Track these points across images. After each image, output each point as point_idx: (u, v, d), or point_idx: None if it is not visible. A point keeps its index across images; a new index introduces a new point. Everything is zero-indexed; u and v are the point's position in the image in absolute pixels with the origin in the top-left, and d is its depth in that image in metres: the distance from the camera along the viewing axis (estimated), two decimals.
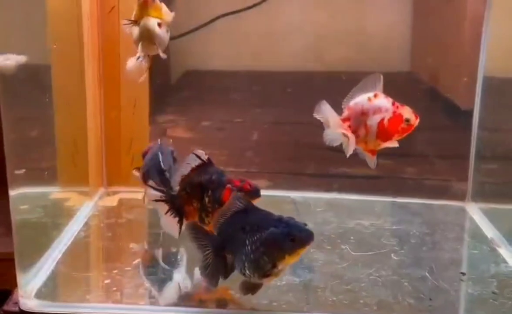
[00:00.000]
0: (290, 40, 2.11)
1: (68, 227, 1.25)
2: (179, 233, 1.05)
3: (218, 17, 2.06)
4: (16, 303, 1.01)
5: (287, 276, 1.09)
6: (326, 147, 1.09)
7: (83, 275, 1.10)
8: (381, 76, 1.05)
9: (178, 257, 1.15)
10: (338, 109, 1.09)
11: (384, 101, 1.03)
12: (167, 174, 1.13)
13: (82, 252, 1.19)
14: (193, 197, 1.03)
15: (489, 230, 1.30)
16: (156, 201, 1.05)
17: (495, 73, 1.46)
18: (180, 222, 1.04)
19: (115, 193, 1.43)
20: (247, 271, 0.91)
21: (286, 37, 2.11)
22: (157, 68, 1.99)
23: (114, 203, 1.39)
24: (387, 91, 1.91)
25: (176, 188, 1.04)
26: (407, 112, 1.03)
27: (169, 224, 1.04)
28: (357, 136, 1.04)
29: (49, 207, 1.29)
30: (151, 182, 1.08)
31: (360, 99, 1.03)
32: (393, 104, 1.03)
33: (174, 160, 1.18)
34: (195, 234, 0.95)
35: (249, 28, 2.11)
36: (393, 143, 1.06)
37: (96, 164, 1.42)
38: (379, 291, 1.05)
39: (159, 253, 1.19)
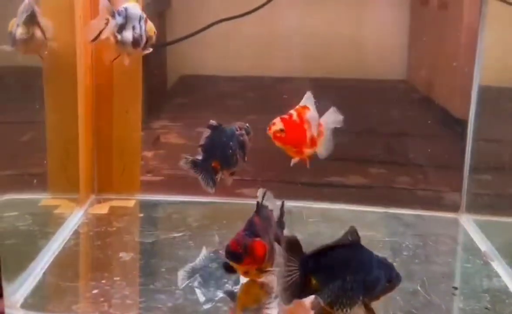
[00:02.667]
0: (286, 47, 2.10)
1: (57, 235, 1.23)
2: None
3: (214, 23, 2.06)
4: (2, 313, 0.99)
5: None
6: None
7: (70, 285, 1.08)
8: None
9: None
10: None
11: None
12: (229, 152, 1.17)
13: (71, 261, 1.18)
14: None
15: (482, 243, 1.29)
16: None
17: (490, 83, 1.46)
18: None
19: (106, 200, 1.41)
20: (337, 306, 0.89)
21: (282, 44, 2.11)
22: (153, 73, 1.99)
23: (105, 211, 1.37)
24: (383, 99, 1.90)
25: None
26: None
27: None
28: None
29: (38, 214, 1.27)
30: None
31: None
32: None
33: (242, 144, 1.20)
34: (289, 248, 0.91)
35: (245, 34, 2.11)
36: None
37: (87, 170, 1.40)
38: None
39: None
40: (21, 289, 1.04)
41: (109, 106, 1.43)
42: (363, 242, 1.26)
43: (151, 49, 1.29)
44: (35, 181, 1.27)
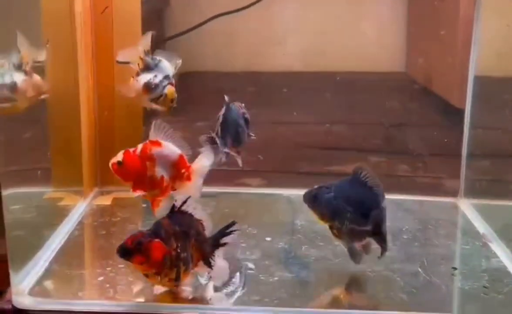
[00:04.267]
0: (286, 41, 2.12)
1: (61, 226, 1.25)
2: None
3: (213, 17, 2.07)
4: (9, 300, 1.01)
5: (279, 272, 1.10)
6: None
7: (76, 273, 1.10)
8: None
9: None
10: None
11: None
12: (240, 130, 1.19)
13: (76, 250, 1.20)
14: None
15: (481, 226, 1.31)
16: None
17: (486, 73, 1.47)
18: None
19: (109, 192, 1.43)
20: None
21: (282, 38, 2.12)
22: None
23: (108, 202, 1.39)
24: (382, 91, 1.91)
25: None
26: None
27: None
28: None
29: (43, 206, 1.29)
30: None
31: None
32: None
33: (246, 120, 1.23)
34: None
35: (245, 29, 2.12)
36: None
37: (90, 163, 1.42)
38: (372, 286, 1.06)
39: None
40: (28, 277, 1.06)
41: (110, 99, 1.45)
42: None
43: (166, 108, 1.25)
44: (39, 172, 1.29)
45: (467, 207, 1.41)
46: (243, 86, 2.18)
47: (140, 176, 1.04)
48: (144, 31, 1.45)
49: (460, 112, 1.50)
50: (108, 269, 1.10)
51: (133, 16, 1.43)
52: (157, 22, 2.21)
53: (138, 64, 1.23)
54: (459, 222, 1.37)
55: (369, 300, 1.03)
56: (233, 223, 1.03)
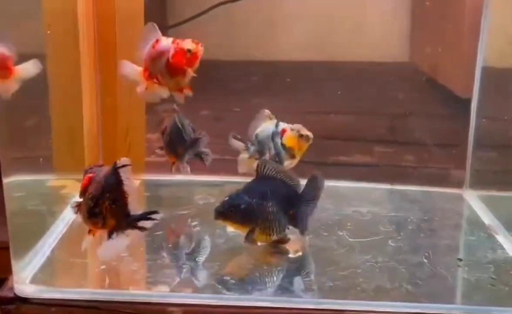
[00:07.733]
0: (289, 30, 2.10)
1: (63, 214, 1.24)
2: None
3: (216, 5, 2.05)
4: (11, 289, 1.00)
5: (284, 262, 1.09)
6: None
7: (78, 261, 1.09)
8: (155, 25, 1.15)
9: None
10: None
11: (164, 43, 1.13)
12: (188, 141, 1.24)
13: (78, 239, 1.17)
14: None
15: (486, 217, 1.30)
16: None
17: (494, 63, 1.46)
18: None
19: None
20: None
21: (285, 27, 2.10)
22: None
23: None
24: (386, 81, 1.90)
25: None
26: (187, 44, 1.11)
27: None
28: (158, 82, 1.16)
29: (45, 194, 1.28)
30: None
31: (146, 50, 1.15)
32: (173, 42, 1.12)
33: (193, 130, 1.28)
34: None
35: (248, 17, 2.11)
36: (189, 75, 1.13)
37: (92, 151, 1.41)
38: (376, 276, 1.05)
39: None
40: (30, 265, 1.06)
41: (113, 86, 1.43)
42: (368, 217, 1.29)
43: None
44: (41, 159, 1.28)
45: (472, 198, 1.40)
46: (246, 75, 2.17)
47: None
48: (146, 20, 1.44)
49: (465, 102, 1.48)
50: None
51: (136, 3, 1.41)
52: (160, 9, 2.19)
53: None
54: (465, 213, 1.36)
55: (373, 291, 1.02)
56: (155, 212, 1.01)
